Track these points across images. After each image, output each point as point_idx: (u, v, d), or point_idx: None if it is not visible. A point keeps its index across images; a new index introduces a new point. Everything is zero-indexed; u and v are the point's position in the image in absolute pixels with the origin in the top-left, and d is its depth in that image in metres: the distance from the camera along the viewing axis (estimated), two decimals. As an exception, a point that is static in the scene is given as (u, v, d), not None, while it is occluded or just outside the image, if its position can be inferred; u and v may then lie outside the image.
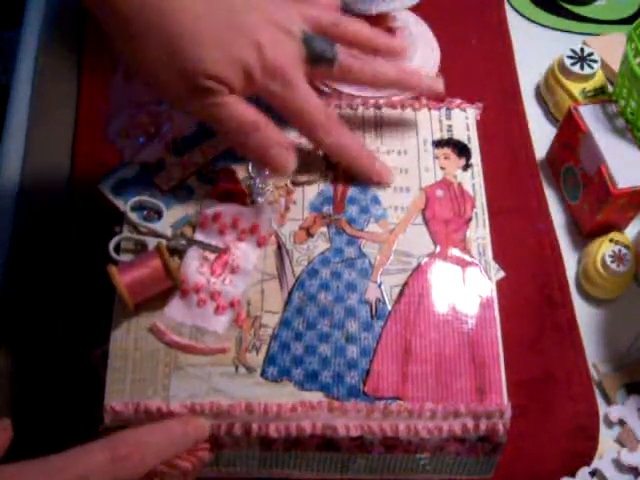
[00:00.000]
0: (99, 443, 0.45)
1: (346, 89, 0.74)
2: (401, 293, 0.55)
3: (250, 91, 0.54)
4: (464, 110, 0.64)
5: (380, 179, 0.60)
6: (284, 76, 0.54)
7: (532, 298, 0.67)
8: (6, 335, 0.64)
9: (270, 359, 0.53)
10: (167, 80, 0.52)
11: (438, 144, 0.62)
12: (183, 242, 0.56)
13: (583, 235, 0.72)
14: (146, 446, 0.46)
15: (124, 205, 0.57)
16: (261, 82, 0.54)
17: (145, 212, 0.57)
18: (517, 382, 0.56)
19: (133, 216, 0.57)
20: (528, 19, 0.86)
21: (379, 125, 0.63)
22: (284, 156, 0.56)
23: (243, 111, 0.54)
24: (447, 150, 0.62)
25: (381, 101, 0.65)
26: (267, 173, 0.59)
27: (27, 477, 0.43)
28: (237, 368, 0.52)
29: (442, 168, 0.61)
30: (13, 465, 0.43)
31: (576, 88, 0.76)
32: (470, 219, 0.59)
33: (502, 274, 0.63)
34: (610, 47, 0.80)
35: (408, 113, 0.64)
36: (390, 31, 0.75)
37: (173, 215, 0.57)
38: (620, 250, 0.68)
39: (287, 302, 0.55)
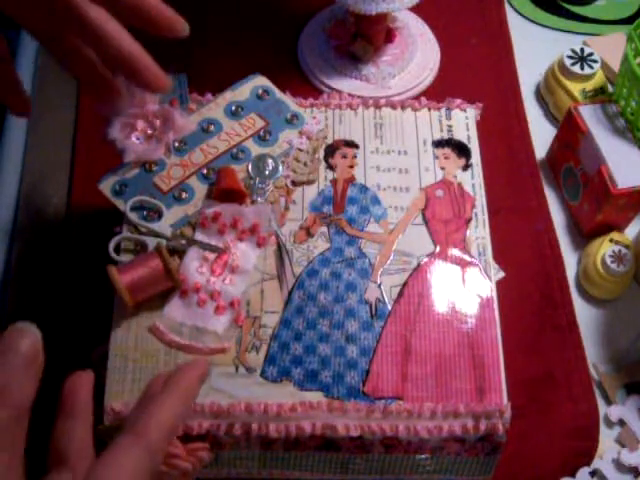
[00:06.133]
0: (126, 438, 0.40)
1: (346, 89, 0.75)
2: (401, 293, 0.55)
3: None
4: (464, 110, 0.64)
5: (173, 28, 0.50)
6: None
7: (532, 298, 0.67)
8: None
9: (270, 359, 0.53)
10: None
11: (438, 144, 0.62)
12: (183, 242, 0.56)
13: (583, 235, 0.71)
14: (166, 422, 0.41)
15: (124, 205, 0.57)
16: None
17: (145, 212, 0.57)
18: (517, 382, 0.56)
19: (133, 216, 0.57)
20: (528, 19, 0.86)
21: (379, 125, 0.63)
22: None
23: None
24: (447, 150, 0.62)
25: (381, 101, 0.65)
26: (267, 173, 0.59)
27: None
28: (237, 368, 0.52)
29: (442, 168, 0.61)
30: None
31: (576, 88, 0.76)
32: (470, 219, 0.59)
33: (502, 274, 0.63)
34: (610, 47, 0.80)
35: (408, 113, 0.64)
36: (390, 31, 0.76)
37: (173, 215, 0.57)
38: (620, 250, 0.67)
39: (287, 302, 0.55)
